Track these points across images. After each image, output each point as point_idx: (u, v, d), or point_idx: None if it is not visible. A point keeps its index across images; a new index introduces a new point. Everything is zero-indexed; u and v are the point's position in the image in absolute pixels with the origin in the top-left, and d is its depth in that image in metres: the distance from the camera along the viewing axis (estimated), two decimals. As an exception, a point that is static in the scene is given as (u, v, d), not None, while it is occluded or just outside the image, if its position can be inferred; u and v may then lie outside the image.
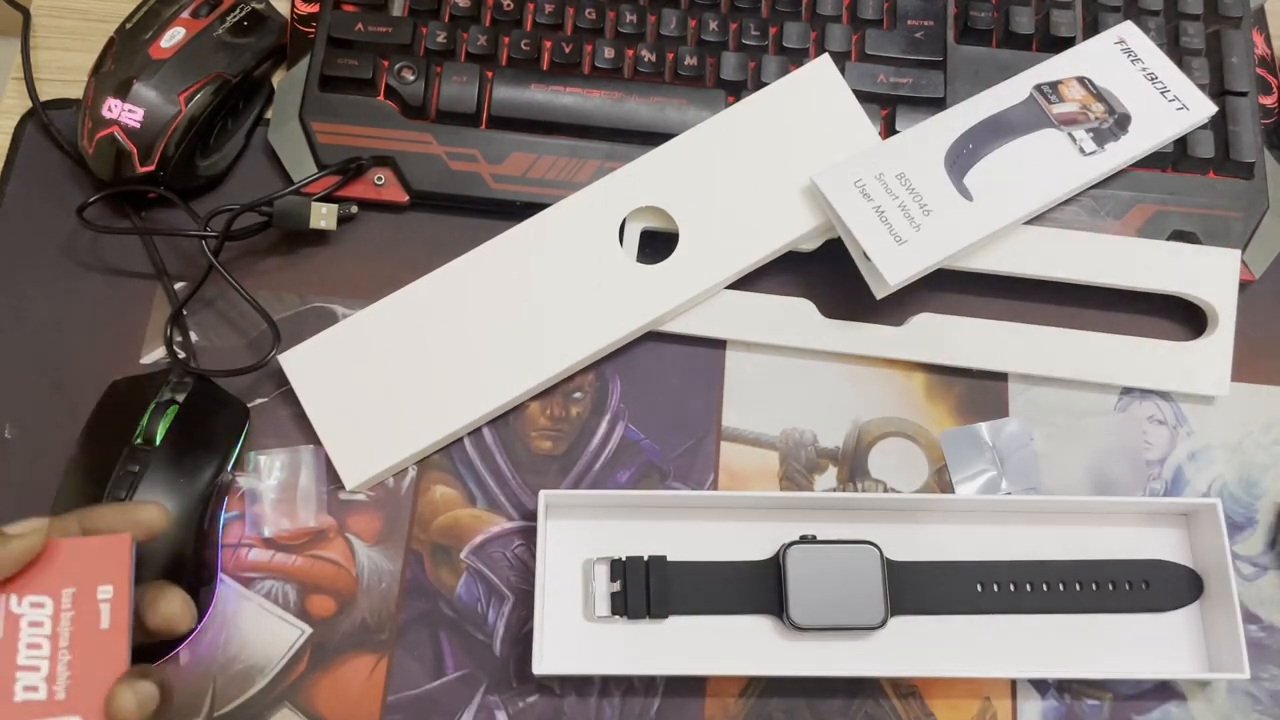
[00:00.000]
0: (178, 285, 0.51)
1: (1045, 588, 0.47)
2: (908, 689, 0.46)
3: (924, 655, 0.46)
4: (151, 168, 0.50)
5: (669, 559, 0.46)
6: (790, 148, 0.51)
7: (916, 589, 0.46)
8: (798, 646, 0.46)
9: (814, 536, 0.46)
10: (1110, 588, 0.47)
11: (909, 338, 0.51)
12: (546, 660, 0.45)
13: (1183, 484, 0.50)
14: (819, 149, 0.51)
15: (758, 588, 0.46)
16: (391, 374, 0.48)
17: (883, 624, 0.45)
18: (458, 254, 0.50)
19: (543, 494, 0.45)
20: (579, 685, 0.46)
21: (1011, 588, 0.47)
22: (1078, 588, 0.47)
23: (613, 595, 0.46)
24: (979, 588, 0.46)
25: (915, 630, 0.46)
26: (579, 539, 0.47)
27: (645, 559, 0.46)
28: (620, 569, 0.46)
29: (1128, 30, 0.54)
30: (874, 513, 0.48)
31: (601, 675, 0.46)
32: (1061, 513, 0.48)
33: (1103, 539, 0.48)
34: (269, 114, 0.54)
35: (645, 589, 0.45)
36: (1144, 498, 0.47)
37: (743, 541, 0.47)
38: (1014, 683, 0.47)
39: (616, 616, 0.46)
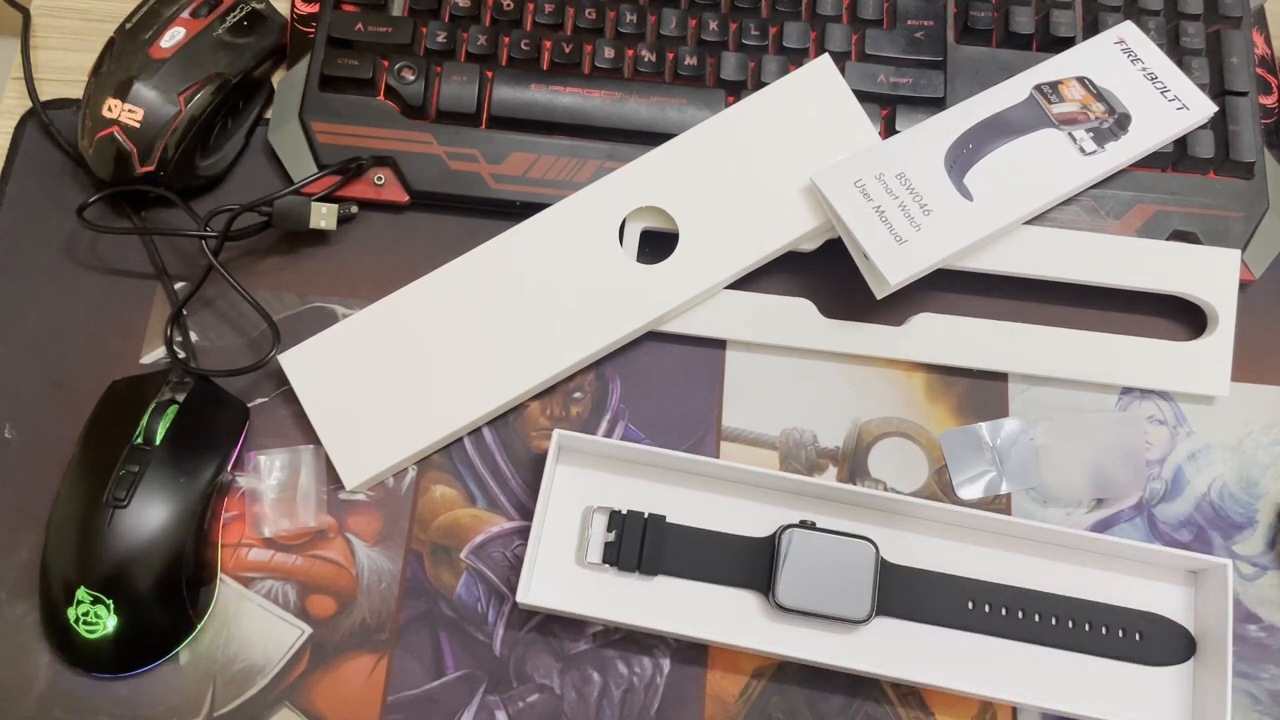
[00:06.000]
0: (178, 285, 0.51)
1: (1037, 618, 0.46)
2: (907, 689, 0.46)
3: (903, 659, 0.46)
4: (151, 168, 0.50)
5: (668, 520, 0.47)
6: (790, 148, 0.51)
7: (906, 594, 0.46)
8: (778, 627, 0.46)
9: (813, 523, 0.46)
10: (1103, 631, 0.46)
11: (909, 338, 0.51)
12: (533, 593, 0.46)
13: (1183, 484, 0.50)
14: (819, 149, 0.51)
15: (750, 563, 0.47)
16: (391, 374, 0.48)
17: (866, 620, 0.45)
18: (458, 254, 0.50)
19: (556, 433, 0.46)
20: (579, 684, 0.46)
21: (1003, 611, 0.46)
22: (1070, 625, 0.46)
23: (606, 545, 0.47)
24: (970, 605, 0.46)
25: (898, 633, 0.46)
26: (584, 486, 0.48)
27: (645, 515, 0.47)
28: (619, 520, 0.47)
29: (1128, 30, 0.54)
30: (877, 512, 0.48)
31: (600, 675, 0.46)
32: (1068, 547, 0.48)
33: (1105, 581, 0.47)
34: (269, 114, 0.54)
35: (640, 544, 0.46)
36: (1155, 545, 0.46)
37: (742, 518, 0.48)
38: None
39: (607, 565, 0.47)
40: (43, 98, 0.54)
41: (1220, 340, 0.50)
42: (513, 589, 0.47)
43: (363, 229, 0.53)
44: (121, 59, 0.50)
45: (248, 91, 0.54)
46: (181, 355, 0.50)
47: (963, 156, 0.50)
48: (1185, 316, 0.52)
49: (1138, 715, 0.46)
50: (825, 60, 0.52)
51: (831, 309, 0.51)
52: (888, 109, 0.53)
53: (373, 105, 0.53)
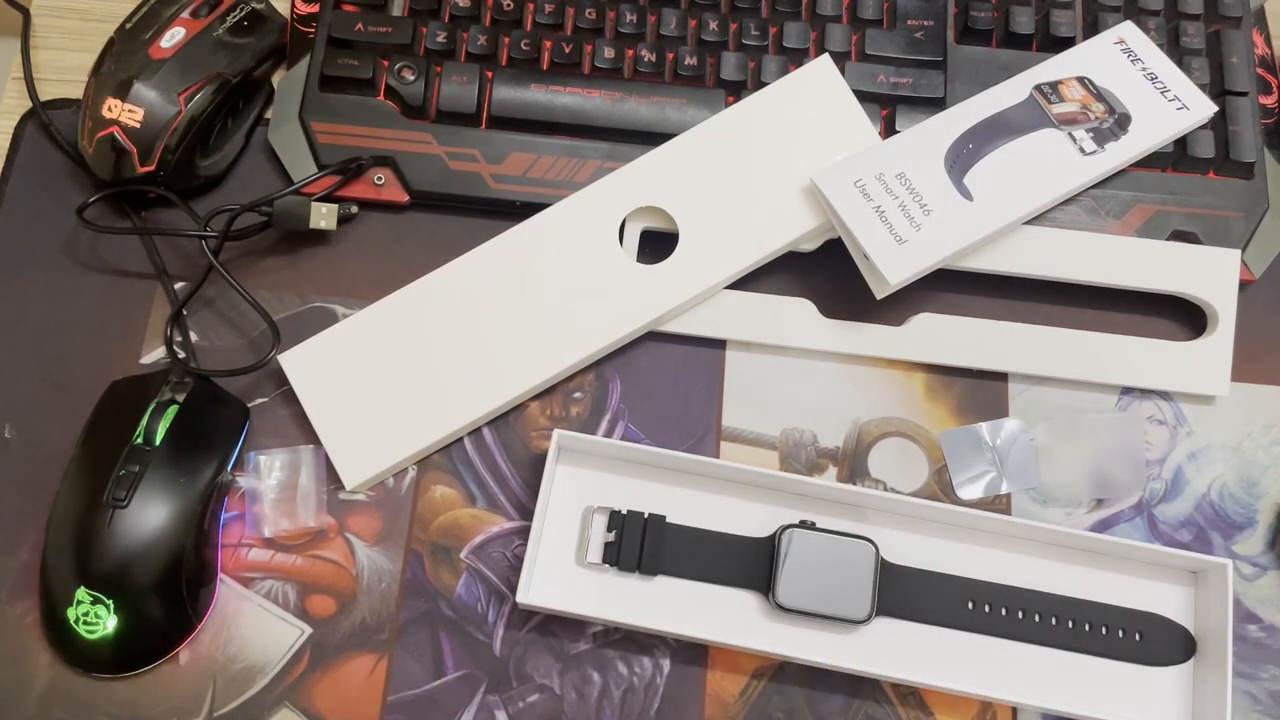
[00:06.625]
0: (178, 285, 0.51)
1: (1037, 618, 0.46)
2: (907, 689, 0.46)
3: (903, 659, 0.46)
4: (151, 168, 0.50)
5: (668, 520, 0.47)
6: (790, 148, 0.51)
7: (906, 593, 0.46)
8: (778, 628, 0.46)
9: (813, 523, 0.46)
10: (1103, 631, 0.46)
11: (909, 338, 0.51)
12: (533, 593, 0.46)
13: (1183, 484, 0.50)
14: (819, 149, 0.51)
15: (750, 563, 0.47)
16: (391, 374, 0.48)
17: (866, 620, 0.45)
18: (458, 254, 0.50)
19: (556, 433, 0.47)
20: (579, 684, 0.46)
21: (1003, 611, 0.46)
22: (1070, 625, 0.46)
23: (606, 545, 0.47)
24: (969, 605, 0.46)
25: (898, 633, 0.46)
26: (584, 486, 0.48)
27: (645, 515, 0.47)
28: (619, 520, 0.47)
29: (1128, 30, 0.54)
30: (877, 512, 0.48)
31: (600, 675, 0.46)
32: (1068, 547, 0.48)
33: (1105, 581, 0.47)
34: (269, 114, 0.54)
35: (640, 544, 0.47)
36: (1155, 546, 0.46)
37: (742, 518, 0.48)
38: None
39: (607, 565, 0.47)
40: (43, 98, 0.54)
41: (1220, 340, 0.50)
42: (513, 589, 0.47)
43: (363, 229, 0.53)
44: (121, 59, 0.50)
45: (248, 91, 0.54)
46: (181, 355, 0.50)
47: (963, 156, 0.50)
48: (1185, 316, 0.52)
49: (1138, 715, 0.46)
50: (825, 60, 0.52)
51: (831, 309, 0.51)
52: (888, 109, 0.53)
53: (373, 105, 0.53)
